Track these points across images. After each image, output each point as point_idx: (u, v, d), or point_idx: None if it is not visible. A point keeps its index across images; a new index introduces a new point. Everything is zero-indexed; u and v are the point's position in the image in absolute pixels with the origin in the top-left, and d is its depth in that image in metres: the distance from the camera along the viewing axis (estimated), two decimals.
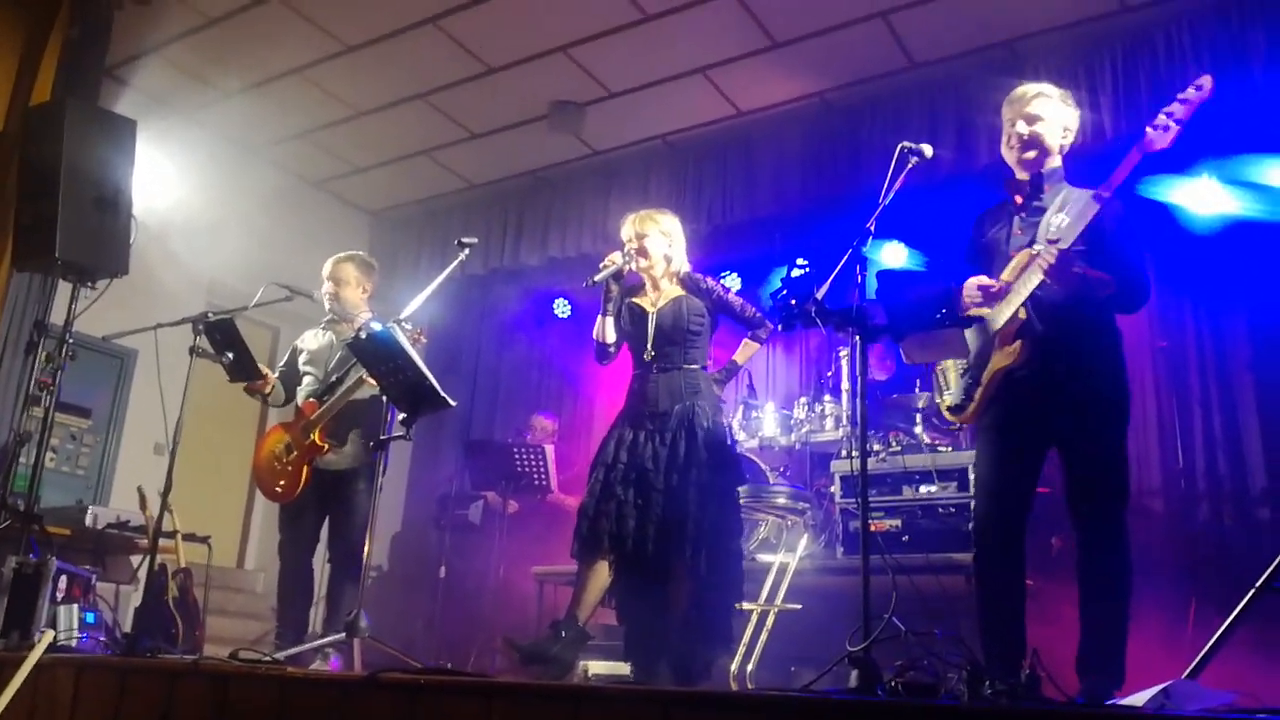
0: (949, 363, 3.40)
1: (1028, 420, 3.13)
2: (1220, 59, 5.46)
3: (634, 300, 4.19)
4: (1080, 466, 3.09)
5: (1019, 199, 3.30)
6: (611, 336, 4.15)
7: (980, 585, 3.21)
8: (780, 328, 3.26)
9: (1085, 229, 3.01)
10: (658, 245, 4.13)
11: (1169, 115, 3.01)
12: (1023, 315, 3.13)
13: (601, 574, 3.86)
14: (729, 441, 4.08)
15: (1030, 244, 3.18)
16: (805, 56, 6.32)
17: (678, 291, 4.14)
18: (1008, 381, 3.16)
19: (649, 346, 4.07)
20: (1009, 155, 3.35)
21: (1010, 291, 3.17)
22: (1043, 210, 3.23)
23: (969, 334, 3.32)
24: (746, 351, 4.18)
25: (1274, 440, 5.38)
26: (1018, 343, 3.12)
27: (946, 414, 3.41)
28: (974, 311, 3.27)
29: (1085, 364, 3.07)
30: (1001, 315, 3.19)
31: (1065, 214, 3.12)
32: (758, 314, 4.17)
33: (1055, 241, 3.05)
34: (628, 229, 4.19)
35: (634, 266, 4.12)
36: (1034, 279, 3.08)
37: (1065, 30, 5.92)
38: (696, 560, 3.71)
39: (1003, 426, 3.20)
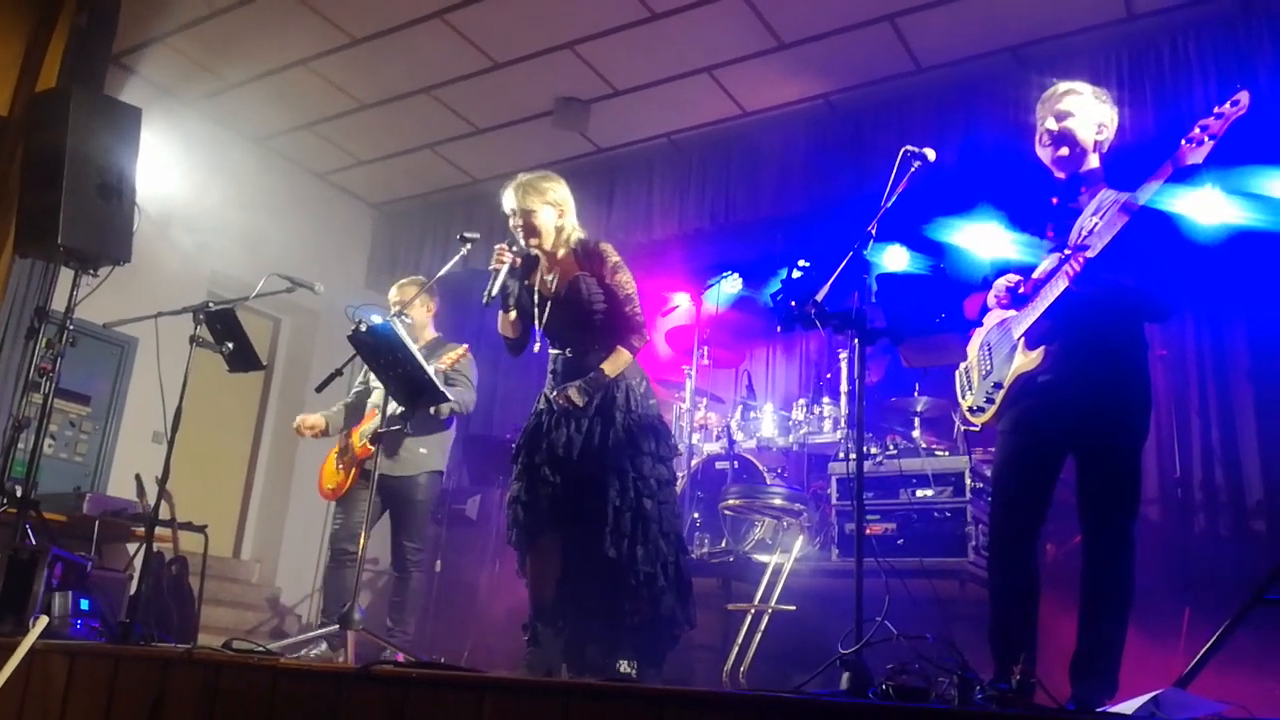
0: (972, 361, 3.39)
1: (1047, 426, 3.10)
2: (1225, 69, 5.46)
3: (530, 283, 3.89)
4: (1093, 474, 3.05)
5: (1054, 200, 3.28)
6: (513, 332, 3.93)
7: (992, 590, 3.21)
8: (780, 329, 3.24)
9: (1114, 239, 2.97)
10: (547, 219, 3.82)
11: (1204, 129, 2.90)
12: (1049, 322, 3.12)
13: (548, 559, 3.71)
14: (651, 415, 3.79)
15: (1062, 247, 3.14)
16: (811, 58, 6.32)
17: (573, 268, 3.82)
18: (1029, 386, 3.15)
19: (551, 335, 3.86)
20: (1043, 154, 3.31)
21: (1036, 297, 3.16)
22: (1078, 212, 3.19)
23: (995, 334, 3.31)
24: (616, 362, 3.73)
25: (1271, 452, 5.38)
26: (1041, 348, 3.12)
27: (967, 414, 3.39)
28: (997, 313, 3.28)
29: (1108, 373, 3.03)
30: (1026, 319, 3.19)
31: (1098, 217, 3.07)
32: (639, 318, 3.79)
33: (1084, 249, 3.02)
34: (509, 201, 3.83)
35: (523, 247, 3.85)
36: (1060, 285, 3.07)
37: (1072, 37, 5.90)
38: (633, 552, 3.54)
39: (1022, 431, 3.17)
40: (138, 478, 5.54)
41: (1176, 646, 4.05)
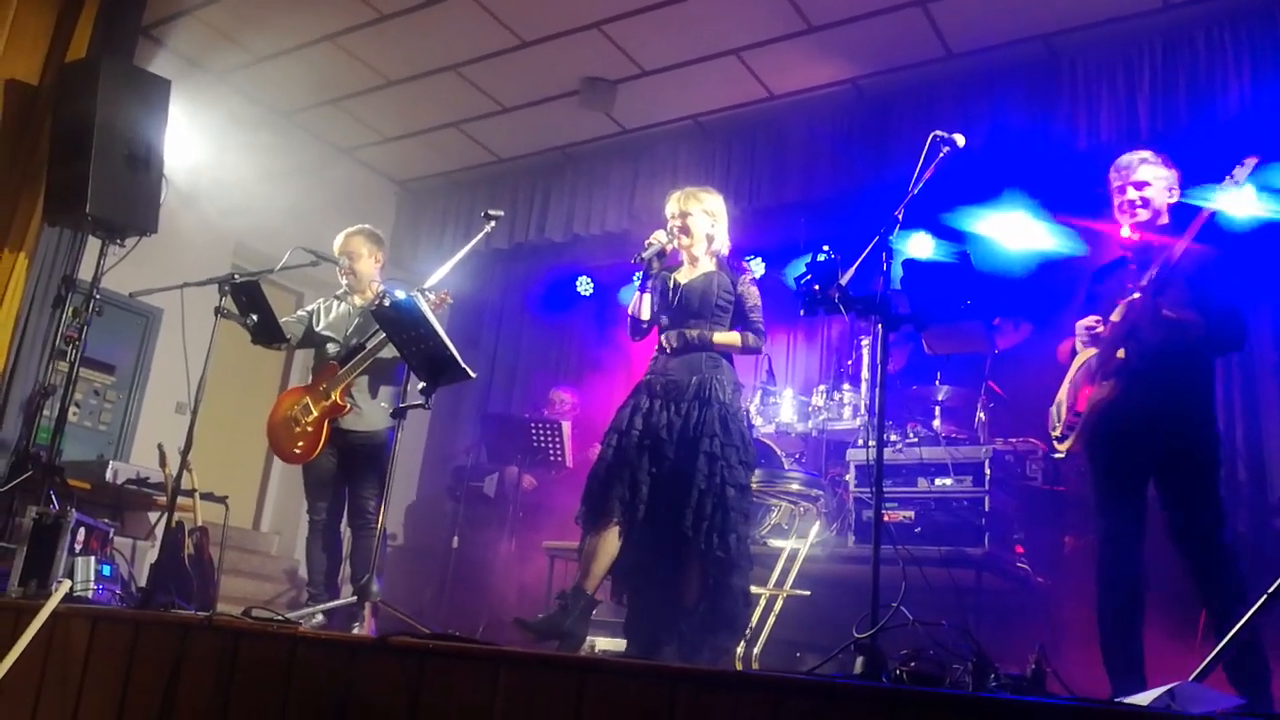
0: (1063, 397, 3.68)
1: (1125, 451, 3.41)
2: (1261, 61, 5.39)
3: (667, 273, 4.16)
4: (1175, 503, 3.32)
5: (1129, 256, 3.65)
6: (647, 313, 4.09)
7: (1099, 608, 3.42)
8: (802, 312, 3.24)
9: (1165, 274, 3.34)
10: (700, 224, 4.09)
11: (1232, 179, 3.36)
12: (1120, 355, 3.42)
13: (610, 542, 3.81)
14: (744, 421, 4.02)
15: (1133, 294, 3.46)
16: (841, 42, 6.28)
17: (711, 268, 4.10)
18: (1106, 415, 3.46)
19: (674, 316, 4.04)
20: (1122, 219, 3.65)
21: (1110, 335, 3.49)
22: (1149, 265, 3.48)
23: (1080, 371, 3.61)
24: (728, 337, 4.00)
25: None
26: (1113, 380, 3.43)
27: (1055, 443, 3.70)
28: (1084, 352, 3.62)
29: (1175, 402, 3.33)
30: (1102, 354, 3.51)
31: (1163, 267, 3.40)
32: (760, 325, 4.06)
33: (1146, 290, 3.37)
34: (672, 205, 4.15)
35: (676, 244, 4.10)
36: (1126, 324, 3.39)
37: (1105, 26, 5.84)
38: (709, 537, 3.68)
39: (1103, 456, 3.50)
40: (160, 447, 5.60)
41: (1194, 641, 4.03)
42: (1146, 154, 3.66)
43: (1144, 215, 3.58)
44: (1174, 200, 3.61)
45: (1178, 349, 3.35)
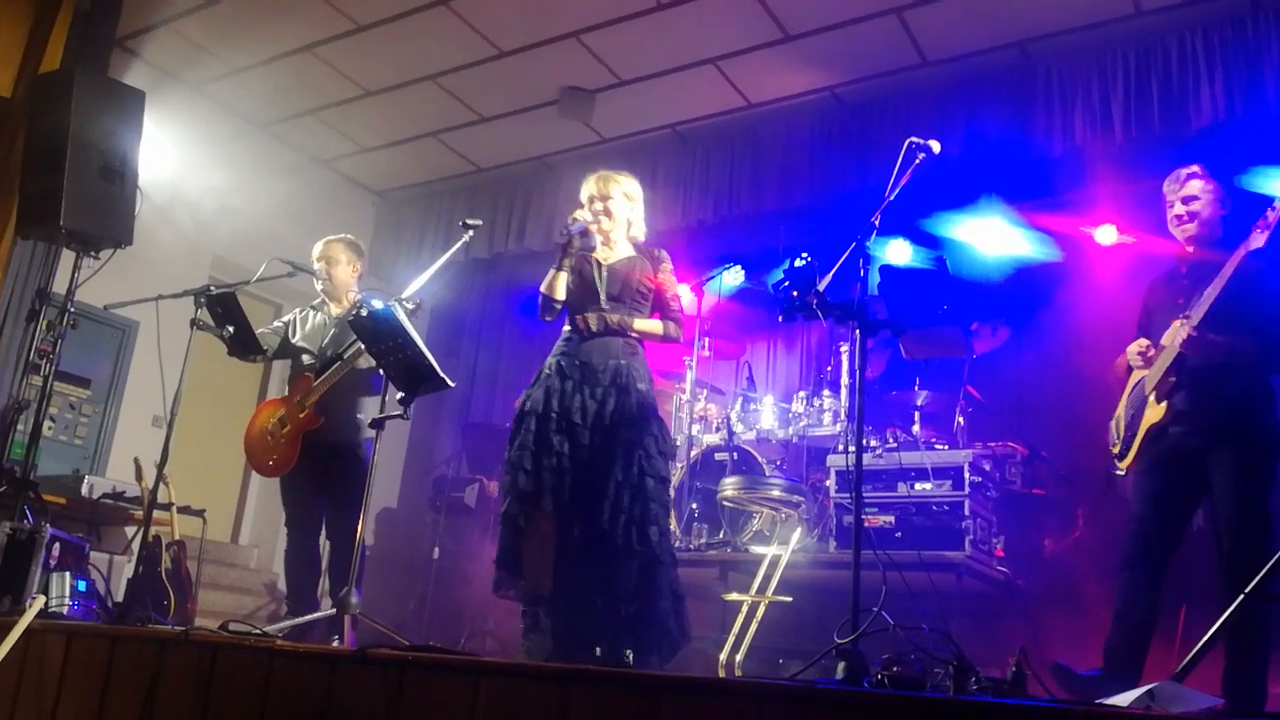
0: (1120, 414, 3.80)
1: (1178, 471, 3.54)
2: (1233, 68, 5.45)
3: (586, 254, 3.99)
4: (1225, 518, 3.41)
5: (1183, 270, 3.74)
6: (562, 294, 3.92)
7: (1117, 612, 3.53)
8: (781, 318, 3.23)
9: (1219, 299, 3.40)
10: (622, 208, 4.00)
11: (1265, 223, 3.42)
12: (1172, 378, 3.54)
13: (544, 533, 3.67)
14: (659, 414, 3.90)
15: (1187, 312, 3.55)
16: (817, 50, 6.31)
17: (631, 253, 4.01)
18: (1160, 436, 3.60)
19: (598, 298, 3.88)
20: (1176, 233, 3.77)
21: (1159, 357, 3.61)
22: (1202, 279, 3.56)
23: (1136, 390, 3.71)
24: (648, 325, 3.93)
25: None
26: (1165, 403, 3.56)
27: (1115, 460, 3.83)
28: (1138, 372, 3.73)
29: (1230, 423, 3.42)
30: (1153, 377, 3.62)
31: (1215, 286, 3.47)
32: (680, 316, 4.02)
33: (1189, 318, 3.46)
34: (590, 187, 4.02)
35: (596, 227, 3.95)
36: (1175, 350, 3.52)
37: (1079, 33, 5.89)
38: (629, 531, 3.57)
39: (1155, 474, 3.62)
40: (136, 461, 5.55)
41: (1173, 642, 4.06)
42: (1195, 168, 3.73)
43: (1193, 229, 3.68)
44: (1226, 211, 3.69)
45: (1230, 371, 3.45)
